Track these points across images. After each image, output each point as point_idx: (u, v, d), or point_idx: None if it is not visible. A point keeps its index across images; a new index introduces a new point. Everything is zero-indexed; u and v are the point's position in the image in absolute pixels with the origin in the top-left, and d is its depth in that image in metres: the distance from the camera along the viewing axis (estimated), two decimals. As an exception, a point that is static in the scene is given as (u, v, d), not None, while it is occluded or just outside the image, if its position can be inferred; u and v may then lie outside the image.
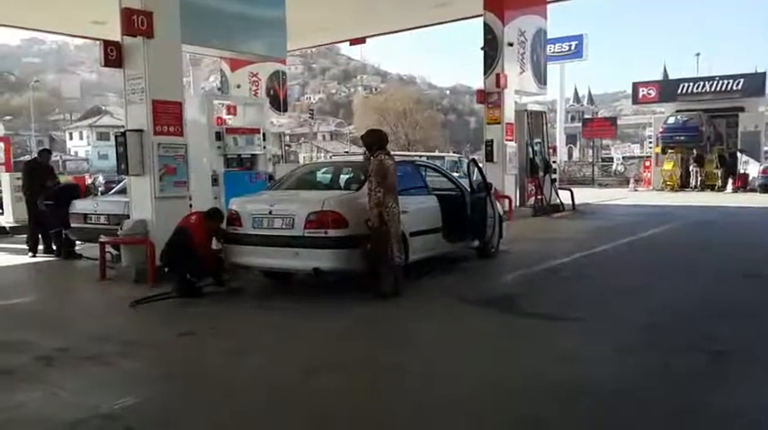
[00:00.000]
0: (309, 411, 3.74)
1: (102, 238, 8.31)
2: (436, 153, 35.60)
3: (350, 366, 4.62)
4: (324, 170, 8.94)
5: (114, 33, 8.21)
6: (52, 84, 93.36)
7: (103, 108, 79.79)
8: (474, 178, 8.79)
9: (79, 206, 9.88)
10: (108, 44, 7.88)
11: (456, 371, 4.38)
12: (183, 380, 4.43)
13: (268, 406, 3.84)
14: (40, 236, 10.40)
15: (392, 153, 6.92)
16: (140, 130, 7.87)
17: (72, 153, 63.24)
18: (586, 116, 60.04)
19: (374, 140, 6.78)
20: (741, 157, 26.44)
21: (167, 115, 7.98)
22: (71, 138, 73.85)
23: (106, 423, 3.59)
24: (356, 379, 4.35)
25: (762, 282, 7.23)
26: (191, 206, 8.26)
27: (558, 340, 5.12)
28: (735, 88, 26.79)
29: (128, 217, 8.40)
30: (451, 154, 33.05)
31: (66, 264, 9.65)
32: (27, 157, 44.32)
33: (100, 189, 32.11)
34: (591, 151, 49.97)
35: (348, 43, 22.19)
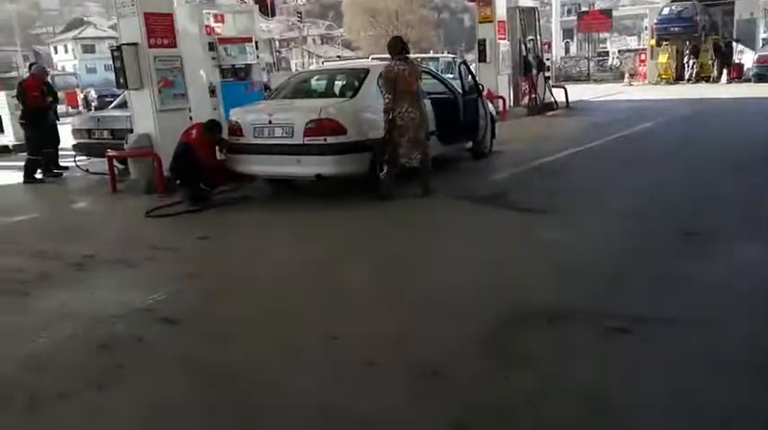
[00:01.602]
0: (327, 296, 4.24)
1: (110, 152, 8.59)
2: (430, 54, 35.02)
3: (361, 257, 5.12)
4: (318, 78, 9.09)
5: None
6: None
7: (85, 19, 77.20)
8: (466, 80, 8.97)
9: (81, 122, 10.10)
10: (96, -43, 7.84)
11: (457, 259, 4.89)
12: (208, 277, 4.89)
13: (288, 294, 4.32)
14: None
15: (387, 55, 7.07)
16: (135, 44, 7.97)
17: (59, 68, 61.88)
18: (582, 9, 58.45)
19: (391, 48, 6.99)
20: (736, 47, 26.22)
21: (160, 27, 8.05)
22: (56, 52, 71.90)
23: (143, 315, 4.04)
24: (367, 267, 4.82)
25: (743, 172, 7.56)
26: (191, 118, 8.49)
27: (547, 229, 5.58)
28: (731, -26, 26.17)
29: (131, 131, 8.66)
30: (446, 54, 32.53)
31: (74, 180, 9.95)
32: (14, 74, 43.56)
33: (93, 104, 31.99)
34: (588, 45, 49.13)
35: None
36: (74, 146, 10.34)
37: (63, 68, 58.96)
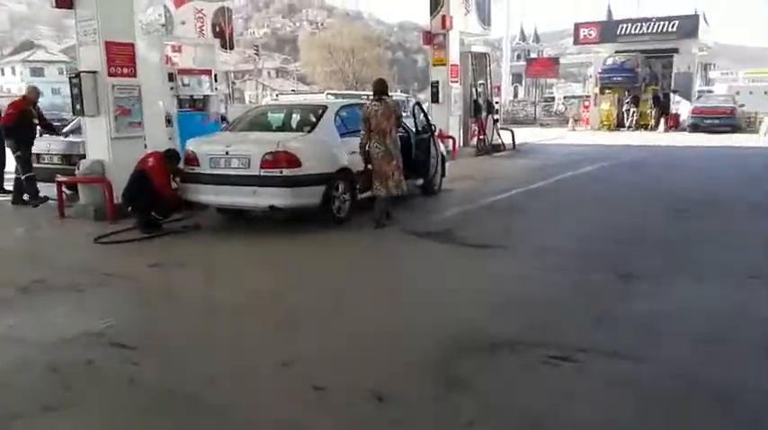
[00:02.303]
0: (276, 323, 4.35)
1: (59, 178, 8.52)
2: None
3: (310, 287, 5.24)
4: (276, 112, 9.28)
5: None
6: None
7: (35, 42, 75.82)
8: (419, 119, 9.31)
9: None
10: (59, -16, 7.90)
11: (403, 290, 5.11)
12: (158, 304, 4.95)
13: (239, 320, 4.42)
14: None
15: (343, 92, 7.43)
16: (94, 72, 8.02)
17: (5, 90, 60.36)
18: (531, 55, 60.79)
19: (374, 88, 7.55)
20: (674, 98, 27.72)
21: (121, 57, 8.13)
22: (2, 74, 70.23)
23: (94, 340, 4.07)
24: (318, 296, 4.96)
25: (677, 215, 8.06)
26: (145, 146, 8.52)
27: (492, 264, 5.87)
28: (670, 30, 27.76)
29: (82, 157, 8.62)
30: (399, 93, 33.25)
31: (19, 206, 9.76)
32: (-44, 95, 42.26)
33: (38, 128, 31.13)
34: (535, 90, 50.99)
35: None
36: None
37: (9, 91, 57.52)
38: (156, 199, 7.24)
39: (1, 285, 5.32)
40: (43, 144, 9.86)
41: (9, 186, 10.32)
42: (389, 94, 7.67)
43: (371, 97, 7.53)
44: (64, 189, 8.73)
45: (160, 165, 7.36)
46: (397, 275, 5.60)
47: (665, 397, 3.20)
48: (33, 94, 9.94)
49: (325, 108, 8.03)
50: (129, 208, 7.46)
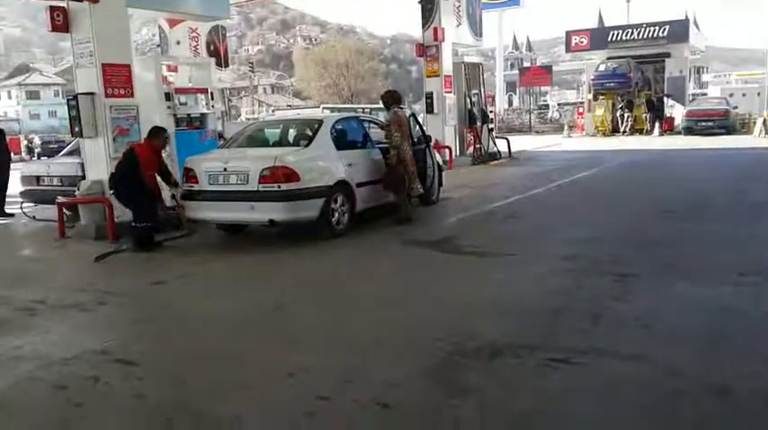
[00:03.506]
0: (280, 335, 4.39)
1: (60, 199, 8.59)
2: (379, 104, 35.88)
3: (312, 299, 5.29)
4: (273, 127, 9.36)
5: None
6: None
7: (31, 65, 76.13)
8: (414, 130, 9.39)
9: (31, 169, 10.04)
10: (54, 9, 8.00)
11: (403, 299, 5.14)
12: (162, 320, 4.98)
13: (243, 334, 4.46)
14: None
15: (338, 105, 7.67)
16: (92, 94, 8.11)
17: (1, 114, 60.60)
18: (525, 64, 61.15)
19: (389, 98, 8.48)
20: (667, 102, 27.91)
21: (117, 78, 8.24)
22: (-1, 98, 70.52)
23: (98, 357, 4.10)
24: (319, 307, 5.02)
25: (671, 217, 8.14)
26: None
27: (492, 271, 5.93)
28: (661, 35, 28.06)
29: (81, 178, 8.69)
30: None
31: (21, 227, 9.85)
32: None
33: (36, 150, 31.32)
34: (530, 98, 51.24)
35: (287, -4, 22.10)
36: (21, 193, 10.24)
37: (5, 114, 57.78)
38: (141, 182, 7.15)
39: (3, 305, 5.37)
40: (42, 167, 9.94)
41: (9, 209, 10.45)
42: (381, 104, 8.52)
43: (393, 106, 8.30)
44: (64, 210, 8.78)
45: (147, 142, 7.44)
46: (398, 285, 5.63)
47: (664, 393, 3.25)
48: None
49: (321, 122, 8.11)
50: (113, 192, 7.50)
